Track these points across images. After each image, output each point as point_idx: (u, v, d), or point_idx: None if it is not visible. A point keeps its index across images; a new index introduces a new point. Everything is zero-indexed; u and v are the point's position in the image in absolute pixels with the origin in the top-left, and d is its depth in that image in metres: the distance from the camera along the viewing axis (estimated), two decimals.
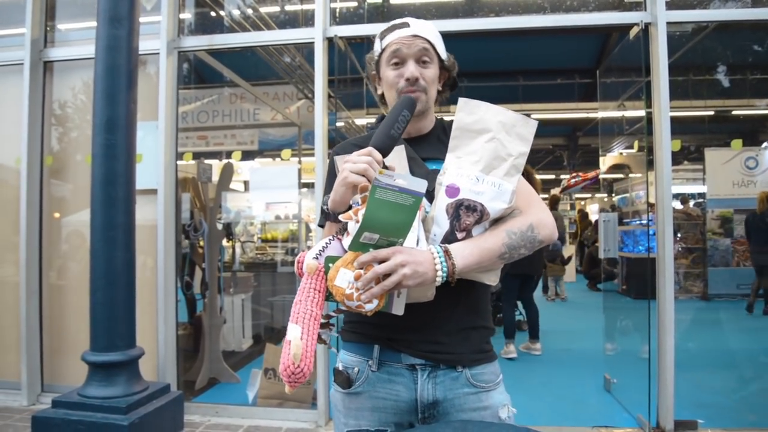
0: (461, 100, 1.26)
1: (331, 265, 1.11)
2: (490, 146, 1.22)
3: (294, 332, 1.03)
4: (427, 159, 1.36)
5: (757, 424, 3.57)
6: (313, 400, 3.81)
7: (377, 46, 1.42)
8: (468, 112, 1.25)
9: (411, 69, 1.33)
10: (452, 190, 1.20)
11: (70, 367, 4.10)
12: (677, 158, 3.53)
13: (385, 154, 1.18)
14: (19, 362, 4.06)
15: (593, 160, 16.89)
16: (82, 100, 4.31)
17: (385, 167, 1.17)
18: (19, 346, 4.07)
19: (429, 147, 1.40)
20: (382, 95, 1.45)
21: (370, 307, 1.09)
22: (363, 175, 1.12)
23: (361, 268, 1.09)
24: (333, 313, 1.20)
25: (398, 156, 1.32)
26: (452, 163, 1.24)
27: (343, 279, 1.09)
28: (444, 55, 1.40)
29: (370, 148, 1.17)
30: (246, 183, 9.32)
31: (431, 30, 1.37)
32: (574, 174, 7.65)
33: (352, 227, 1.12)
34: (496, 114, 1.24)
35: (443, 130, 1.44)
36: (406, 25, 1.35)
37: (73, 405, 2.98)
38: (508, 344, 5.47)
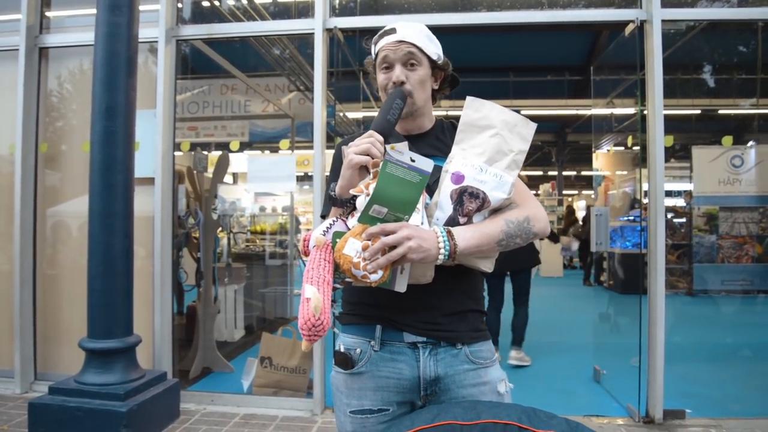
0: (468, 98, 1.35)
1: (338, 240, 1.16)
2: (493, 141, 1.31)
3: (311, 290, 1.07)
4: (425, 156, 1.41)
5: (741, 413, 3.67)
6: (309, 389, 3.84)
7: (372, 51, 1.49)
8: (474, 109, 1.34)
9: (397, 73, 1.38)
10: (457, 178, 1.29)
11: (64, 356, 4.10)
12: (665, 155, 3.60)
13: (384, 136, 1.26)
14: (12, 350, 4.04)
15: (581, 157, 17.10)
16: (79, 87, 4.28)
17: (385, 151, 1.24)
18: (12, 334, 4.05)
19: (427, 145, 1.45)
20: None
21: (375, 277, 1.14)
22: (367, 155, 1.20)
23: (369, 240, 1.15)
24: (337, 286, 1.24)
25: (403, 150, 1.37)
26: (458, 154, 1.32)
27: (352, 248, 1.14)
28: (435, 55, 1.43)
29: (370, 131, 1.25)
30: (235, 175, 9.29)
31: (418, 33, 1.40)
32: None
33: (361, 201, 1.19)
34: (500, 113, 1.33)
35: (443, 129, 1.51)
36: (393, 31, 1.40)
37: (71, 392, 2.98)
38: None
